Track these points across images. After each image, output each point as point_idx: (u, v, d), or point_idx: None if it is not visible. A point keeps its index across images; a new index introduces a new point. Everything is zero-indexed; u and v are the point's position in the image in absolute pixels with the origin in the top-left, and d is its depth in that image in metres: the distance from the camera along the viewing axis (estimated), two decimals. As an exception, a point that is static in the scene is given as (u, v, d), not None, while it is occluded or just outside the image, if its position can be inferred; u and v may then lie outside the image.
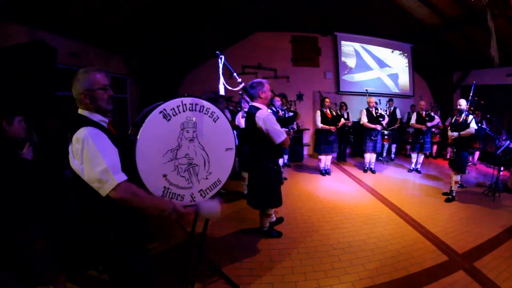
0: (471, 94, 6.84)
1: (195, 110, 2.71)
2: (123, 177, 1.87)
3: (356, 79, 12.15)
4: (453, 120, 6.82)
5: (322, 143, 8.27)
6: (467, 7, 8.07)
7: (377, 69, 12.43)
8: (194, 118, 2.71)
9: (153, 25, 7.24)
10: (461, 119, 6.48)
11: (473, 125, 6.28)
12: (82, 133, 1.83)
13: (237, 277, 3.59)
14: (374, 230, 5.11)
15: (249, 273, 3.70)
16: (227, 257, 4.04)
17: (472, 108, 6.98)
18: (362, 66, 12.21)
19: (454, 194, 6.68)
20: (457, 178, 6.63)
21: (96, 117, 2.03)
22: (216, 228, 4.89)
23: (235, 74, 3.66)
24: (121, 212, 1.99)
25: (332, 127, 8.11)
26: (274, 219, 4.96)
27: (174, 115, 2.56)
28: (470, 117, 6.38)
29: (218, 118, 2.90)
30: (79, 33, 6.24)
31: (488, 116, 8.50)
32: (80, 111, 2.03)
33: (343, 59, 11.88)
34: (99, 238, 2.02)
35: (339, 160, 10.68)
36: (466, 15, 8.54)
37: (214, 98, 5.12)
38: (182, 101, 2.62)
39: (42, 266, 2.81)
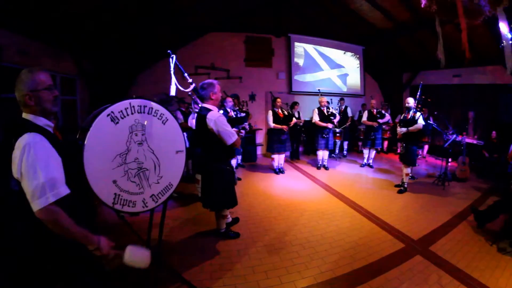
0: (418, 93, 7.24)
1: (144, 112, 2.63)
2: (61, 193, 1.77)
3: (308, 79, 12.36)
4: (402, 117, 7.22)
5: (274, 142, 8.33)
6: (417, 13, 8.60)
7: (329, 69, 12.76)
8: (145, 121, 2.63)
9: (104, 24, 7.01)
10: (409, 116, 6.89)
11: (421, 121, 6.69)
12: (24, 140, 1.73)
13: (199, 281, 3.53)
14: (330, 224, 5.22)
15: (210, 276, 3.64)
16: (186, 262, 3.95)
17: (419, 106, 7.37)
18: (314, 66, 12.47)
19: (406, 185, 7.01)
20: (407, 170, 6.94)
21: (41, 121, 1.92)
22: (173, 233, 4.77)
23: (186, 74, 3.60)
24: None
25: (284, 127, 8.19)
26: (230, 219, 4.91)
27: (122, 118, 2.47)
28: (418, 114, 6.80)
29: (167, 120, 2.83)
30: (29, 30, 5.88)
31: (435, 112, 9.26)
32: (24, 115, 1.92)
33: (295, 59, 12.03)
34: (47, 253, 1.89)
35: (293, 159, 10.78)
36: (416, 20, 9.12)
37: (166, 99, 4.99)
38: (130, 103, 2.53)
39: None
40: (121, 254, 2.14)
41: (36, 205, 1.70)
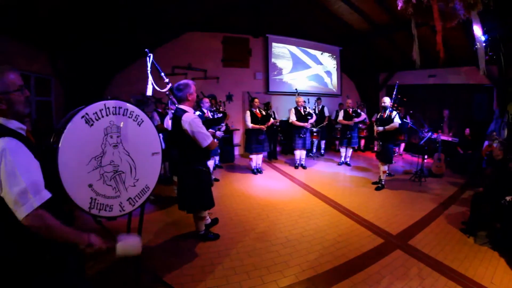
0: (394, 93, 7.41)
1: (119, 113, 2.56)
2: (44, 196, 1.68)
3: (285, 79, 12.47)
4: (378, 116, 7.36)
5: (252, 142, 8.32)
6: (394, 15, 8.80)
7: (307, 69, 12.96)
8: (121, 123, 2.57)
9: (81, 23, 6.86)
10: (385, 115, 7.03)
11: (397, 120, 6.83)
12: (0, 145, 1.63)
13: (180, 284, 3.48)
14: (310, 223, 5.25)
15: (191, 279, 3.59)
16: (167, 265, 3.89)
17: (395, 105, 7.53)
18: (291, 67, 12.59)
19: (383, 182, 7.13)
20: (384, 168, 7.06)
21: (14, 125, 1.80)
22: (152, 236, 4.70)
23: (162, 74, 3.54)
24: None
25: (262, 126, 8.21)
26: (209, 221, 4.84)
27: (97, 120, 2.40)
28: (394, 113, 6.94)
29: (142, 121, 2.77)
30: (1, 27, 5.68)
31: (411, 111, 9.56)
32: None
33: (273, 60, 12.09)
34: (28, 263, 1.78)
35: (270, 159, 10.77)
36: (393, 22, 9.34)
37: (143, 100, 4.90)
38: (105, 105, 2.46)
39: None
40: (113, 246, 2.09)
41: (21, 213, 1.61)
